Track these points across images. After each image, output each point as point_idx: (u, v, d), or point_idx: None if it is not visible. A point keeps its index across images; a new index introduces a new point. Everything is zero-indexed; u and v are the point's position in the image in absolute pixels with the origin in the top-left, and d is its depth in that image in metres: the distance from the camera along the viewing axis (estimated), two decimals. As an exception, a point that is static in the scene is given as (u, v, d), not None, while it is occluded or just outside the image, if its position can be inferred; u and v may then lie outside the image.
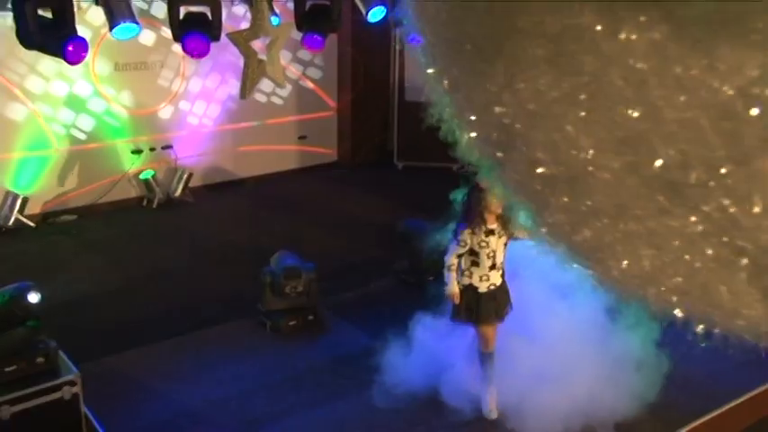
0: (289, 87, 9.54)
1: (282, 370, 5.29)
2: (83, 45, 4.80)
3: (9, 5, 4.81)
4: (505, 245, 4.69)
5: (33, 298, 4.34)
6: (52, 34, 4.58)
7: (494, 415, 4.73)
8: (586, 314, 4.86)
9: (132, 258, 7.34)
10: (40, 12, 4.75)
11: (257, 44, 5.07)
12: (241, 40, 4.48)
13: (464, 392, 4.75)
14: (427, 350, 4.98)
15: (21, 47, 4.80)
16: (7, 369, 4.25)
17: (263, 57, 4.62)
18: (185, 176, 8.82)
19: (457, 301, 4.66)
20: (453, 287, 4.65)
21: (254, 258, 6.55)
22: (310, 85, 9.88)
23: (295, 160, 10.01)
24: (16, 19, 4.45)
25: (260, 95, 9.47)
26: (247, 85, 4.53)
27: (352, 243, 7.66)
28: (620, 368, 4.72)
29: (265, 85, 9.27)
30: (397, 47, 9.75)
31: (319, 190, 9.50)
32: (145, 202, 8.74)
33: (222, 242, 7.75)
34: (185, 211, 8.65)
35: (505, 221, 4.59)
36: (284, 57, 9.38)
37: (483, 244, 4.59)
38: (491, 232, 4.60)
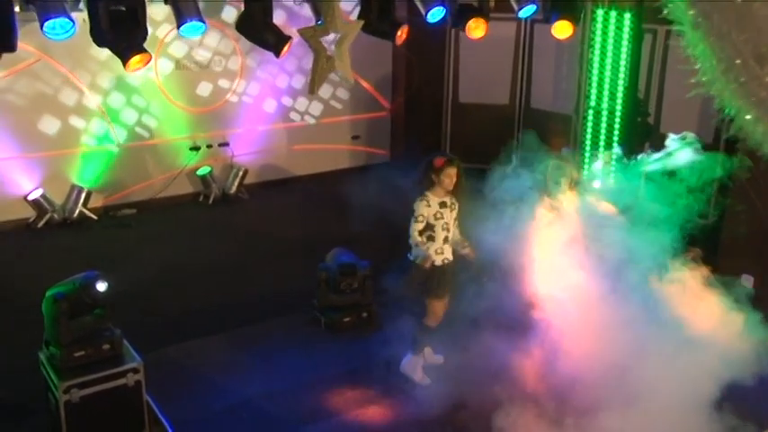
0: (342, 88, 9.67)
1: (337, 366, 5.36)
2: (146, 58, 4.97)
3: (81, 5, 4.98)
4: (456, 219, 4.93)
5: (101, 286, 4.48)
6: (122, 36, 4.72)
7: (427, 381, 4.94)
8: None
9: (189, 252, 7.51)
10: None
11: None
12: (312, 36, 4.54)
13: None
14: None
15: (87, 45, 4.98)
16: (76, 354, 4.41)
17: (331, 53, 4.67)
18: (240, 173, 8.99)
19: (429, 264, 4.79)
20: (427, 255, 4.81)
21: (307, 255, 6.64)
22: (365, 85, 9.95)
23: (348, 160, 10.09)
24: (90, 16, 4.61)
25: (314, 95, 9.58)
26: (316, 80, 4.61)
27: (404, 243, 7.67)
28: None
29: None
30: (452, 48, 9.76)
31: (371, 189, 9.52)
32: (201, 198, 8.94)
33: (276, 238, 7.86)
34: (240, 208, 8.81)
35: (457, 194, 4.88)
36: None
37: (438, 215, 4.85)
38: (443, 204, 4.87)
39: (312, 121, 9.65)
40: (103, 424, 4.44)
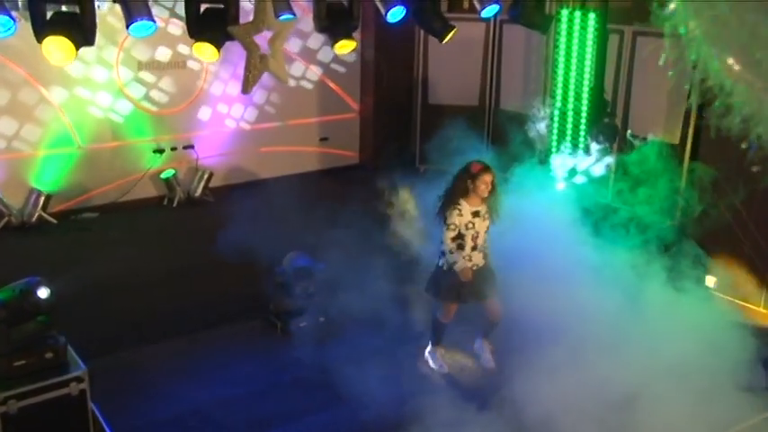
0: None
1: (292, 371, 5.27)
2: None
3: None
4: (487, 229, 4.94)
5: (43, 293, 4.34)
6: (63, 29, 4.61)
7: (445, 369, 5.10)
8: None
9: (150, 256, 7.38)
10: (65, 8, 4.82)
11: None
12: (242, 34, 4.45)
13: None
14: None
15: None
16: (16, 363, 4.25)
17: (266, 52, 4.57)
18: (206, 176, 8.87)
19: (469, 276, 4.83)
20: (462, 263, 4.85)
21: (272, 260, 6.52)
22: (332, 86, 9.85)
23: (316, 162, 9.99)
24: (30, 13, 4.50)
25: (281, 96, 9.48)
26: (249, 80, 4.51)
27: (371, 246, 7.58)
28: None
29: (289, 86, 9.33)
30: (421, 49, 9.68)
31: (340, 192, 9.44)
32: (165, 202, 8.80)
33: (240, 242, 7.67)
34: (205, 211, 8.67)
35: (492, 205, 4.88)
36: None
37: (470, 225, 4.84)
38: (476, 214, 4.86)
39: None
40: (45, 436, 4.30)
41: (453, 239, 4.84)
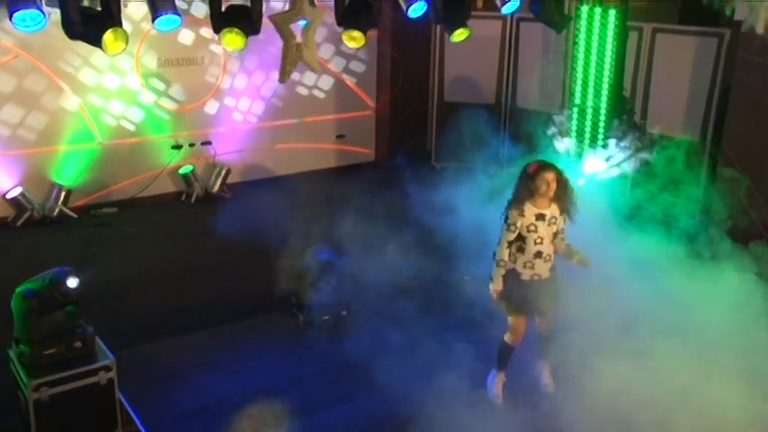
0: (328, 84, 9.62)
1: (314, 364, 5.30)
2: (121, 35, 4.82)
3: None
4: (555, 235, 4.58)
5: (72, 283, 4.39)
6: (94, 24, 4.65)
7: (499, 400, 4.76)
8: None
9: (169, 251, 7.45)
10: (87, 3, 4.87)
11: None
12: (281, 22, 4.48)
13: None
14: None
15: (67, 42, 4.92)
16: (46, 352, 4.32)
17: (299, 41, 4.60)
18: (223, 172, 8.92)
19: (496, 297, 4.62)
20: (497, 284, 4.59)
21: (291, 253, 6.56)
22: (349, 83, 9.89)
23: (333, 159, 10.02)
24: (61, 9, 4.54)
25: (299, 92, 9.53)
26: (286, 68, 4.54)
27: (387, 242, 7.61)
28: None
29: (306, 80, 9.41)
30: (437, 47, 9.71)
31: (356, 189, 9.46)
32: (183, 197, 8.86)
33: (258, 237, 7.74)
34: (222, 207, 8.71)
35: (564, 205, 4.53)
36: (326, 52, 9.45)
37: (531, 228, 4.50)
38: (541, 217, 4.51)
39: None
40: (75, 423, 4.35)
41: (511, 243, 4.54)
